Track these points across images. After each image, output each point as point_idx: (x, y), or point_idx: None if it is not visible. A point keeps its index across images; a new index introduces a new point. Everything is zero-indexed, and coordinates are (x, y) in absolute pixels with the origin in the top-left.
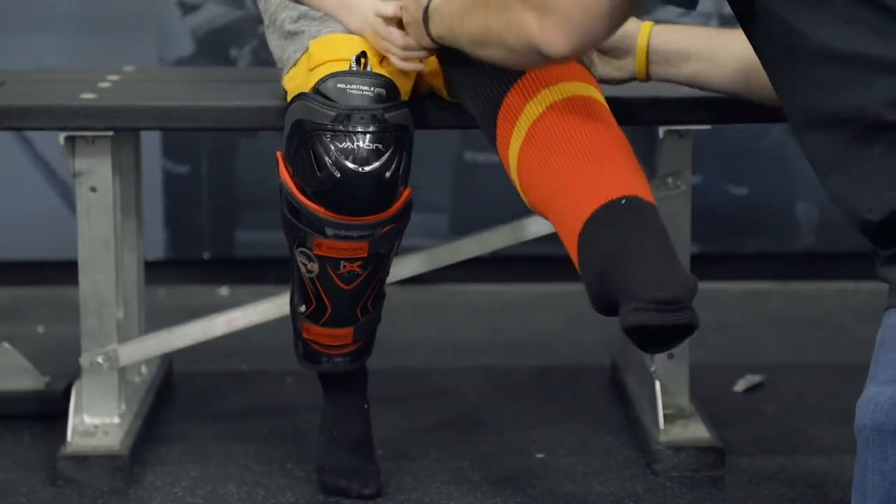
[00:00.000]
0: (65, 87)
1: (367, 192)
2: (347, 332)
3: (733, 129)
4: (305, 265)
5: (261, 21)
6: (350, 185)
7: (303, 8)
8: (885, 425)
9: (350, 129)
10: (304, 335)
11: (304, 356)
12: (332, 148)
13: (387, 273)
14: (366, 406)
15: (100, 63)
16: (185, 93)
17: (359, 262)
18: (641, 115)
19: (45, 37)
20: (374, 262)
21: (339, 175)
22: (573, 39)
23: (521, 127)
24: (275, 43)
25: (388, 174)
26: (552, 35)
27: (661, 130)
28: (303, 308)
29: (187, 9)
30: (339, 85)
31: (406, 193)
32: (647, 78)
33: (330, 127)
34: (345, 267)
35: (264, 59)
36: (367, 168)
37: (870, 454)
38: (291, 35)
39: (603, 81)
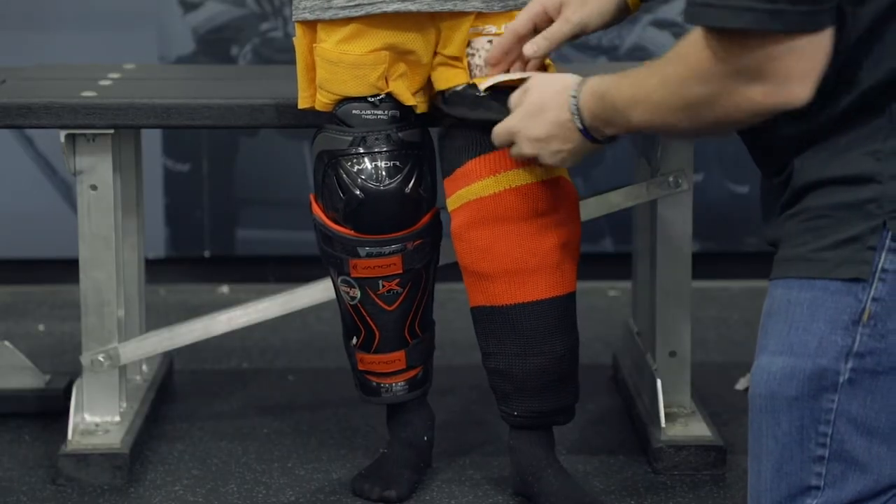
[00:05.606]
0: (65, 85)
1: (391, 208)
2: (399, 356)
3: None
4: (348, 293)
5: (261, 19)
6: (374, 204)
7: None
8: (777, 394)
9: (367, 150)
10: (360, 367)
11: (364, 390)
12: (353, 170)
13: (430, 297)
14: (426, 438)
15: (100, 60)
16: (186, 91)
17: (396, 280)
18: None
19: (46, 34)
20: (412, 278)
21: (362, 196)
22: (811, 82)
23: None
24: None
25: (408, 189)
26: (788, 92)
27: None
28: (354, 340)
29: (188, 6)
30: (355, 111)
31: (432, 211)
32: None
33: (349, 151)
34: (384, 286)
35: (265, 57)
36: (387, 185)
37: (763, 420)
38: None
39: (591, 32)
